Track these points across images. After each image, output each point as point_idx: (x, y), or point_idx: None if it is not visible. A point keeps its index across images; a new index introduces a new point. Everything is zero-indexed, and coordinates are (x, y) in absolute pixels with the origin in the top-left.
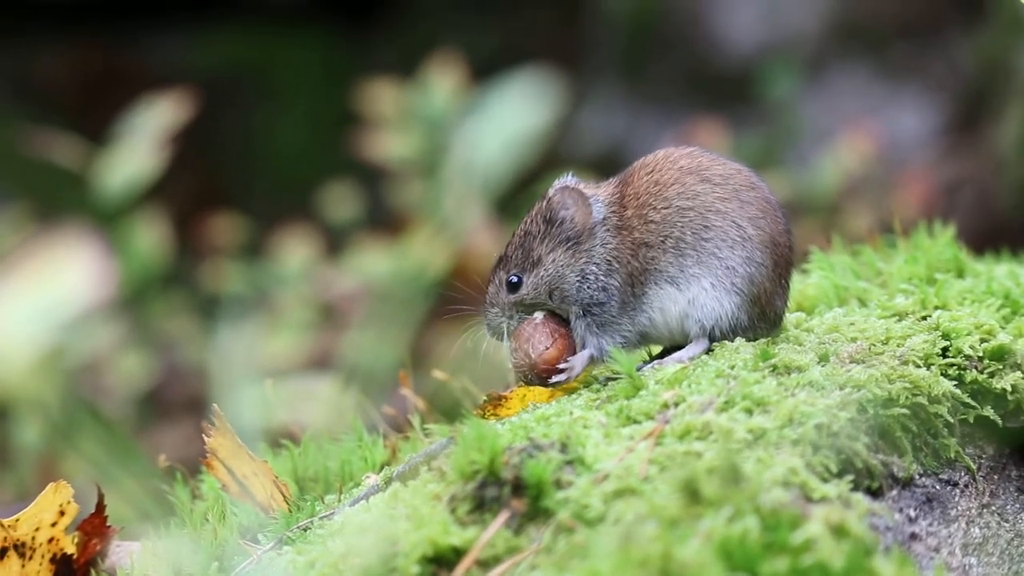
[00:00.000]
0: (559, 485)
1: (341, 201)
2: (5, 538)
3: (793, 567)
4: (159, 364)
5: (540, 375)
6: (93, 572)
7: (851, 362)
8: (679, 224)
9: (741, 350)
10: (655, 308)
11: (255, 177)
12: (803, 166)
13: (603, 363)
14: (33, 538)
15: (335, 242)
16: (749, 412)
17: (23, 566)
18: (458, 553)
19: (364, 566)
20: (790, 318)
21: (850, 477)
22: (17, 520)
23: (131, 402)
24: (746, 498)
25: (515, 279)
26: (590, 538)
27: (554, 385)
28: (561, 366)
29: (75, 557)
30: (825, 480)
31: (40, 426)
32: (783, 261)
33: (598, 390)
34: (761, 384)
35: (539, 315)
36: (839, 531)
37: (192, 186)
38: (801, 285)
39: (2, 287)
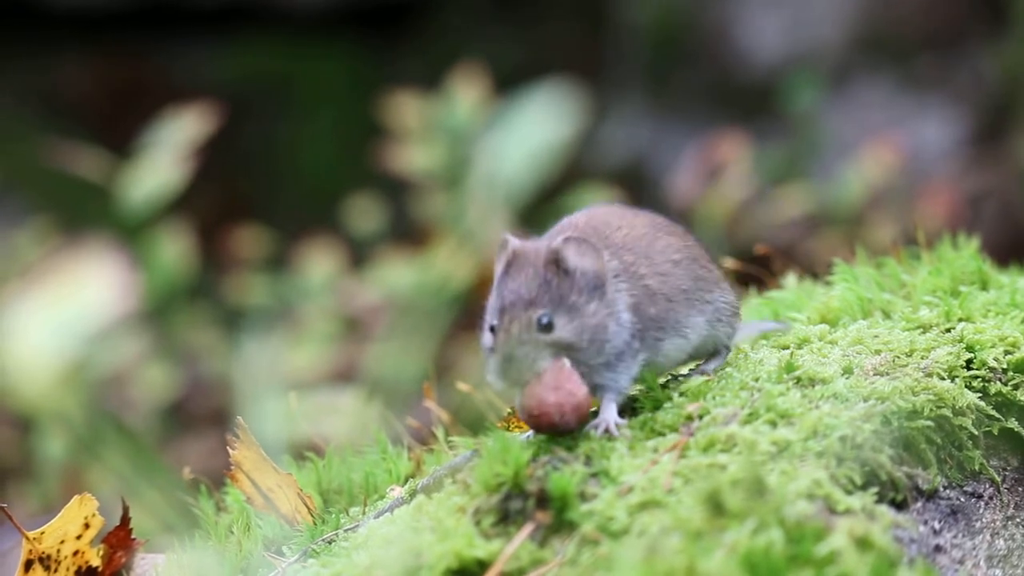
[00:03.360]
0: (584, 497)
1: (365, 213)
2: (31, 551)
3: None
4: (183, 376)
5: (576, 420)
6: None
7: (875, 374)
8: (680, 276)
9: (765, 362)
10: (667, 355)
11: (279, 189)
12: (827, 178)
13: (623, 397)
14: (58, 551)
15: (359, 254)
16: (773, 424)
17: None
18: (483, 565)
19: None
20: (814, 330)
21: (874, 489)
22: (42, 533)
23: (155, 414)
24: (770, 510)
25: (547, 319)
26: (614, 550)
27: (578, 429)
28: (593, 424)
29: (100, 570)
30: (849, 492)
31: (64, 439)
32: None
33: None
34: (785, 396)
35: (566, 361)
36: (863, 543)
37: (216, 198)
38: (825, 297)
39: (26, 300)
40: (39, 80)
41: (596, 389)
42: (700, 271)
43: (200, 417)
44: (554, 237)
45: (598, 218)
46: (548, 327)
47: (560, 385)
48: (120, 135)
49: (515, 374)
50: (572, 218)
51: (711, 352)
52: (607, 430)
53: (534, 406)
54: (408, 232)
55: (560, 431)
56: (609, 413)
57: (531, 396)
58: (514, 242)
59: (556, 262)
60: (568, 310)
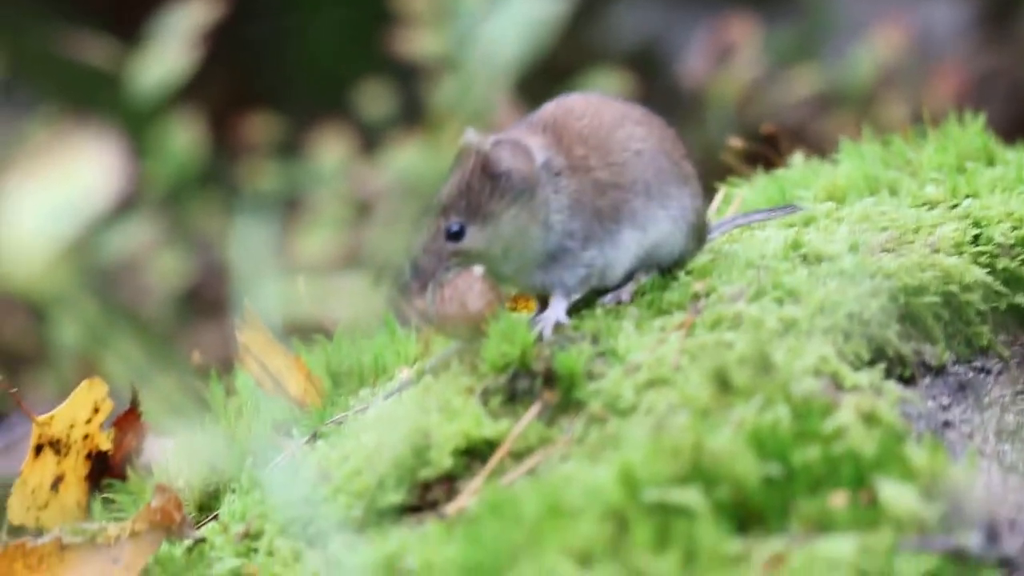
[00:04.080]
0: (591, 376)
1: (376, 98)
2: (40, 435)
3: (824, 455)
4: (196, 263)
5: (473, 328)
6: (129, 468)
7: (882, 251)
8: (640, 167)
9: (771, 240)
10: (619, 246)
11: (289, 75)
12: (837, 58)
13: (572, 297)
14: (68, 435)
15: (370, 139)
16: (780, 302)
17: (59, 463)
18: (491, 445)
19: (397, 459)
20: (820, 208)
21: (882, 365)
22: (52, 417)
23: (169, 302)
24: (777, 387)
25: (457, 227)
26: (622, 428)
27: (480, 334)
28: (537, 319)
29: (110, 453)
30: (856, 368)
31: (76, 326)
32: (703, 188)
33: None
34: (792, 273)
35: (477, 270)
36: (871, 419)
37: (226, 85)
38: (831, 175)
39: (23, 183)
40: None
41: (547, 288)
42: (666, 164)
43: (212, 303)
44: (508, 131)
45: (565, 108)
46: (457, 235)
47: (456, 297)
48: (128, 22)
49: (420, 278)
50: (543, 108)
51: (663, 261)
52: (541, 331)
53: (436, 317)
54: (418, 117)
55: (455, 335)
56: (553, 311)
57: (442, 302)
58: (467, 138)
59: (483, 166)
60: (483, 217)
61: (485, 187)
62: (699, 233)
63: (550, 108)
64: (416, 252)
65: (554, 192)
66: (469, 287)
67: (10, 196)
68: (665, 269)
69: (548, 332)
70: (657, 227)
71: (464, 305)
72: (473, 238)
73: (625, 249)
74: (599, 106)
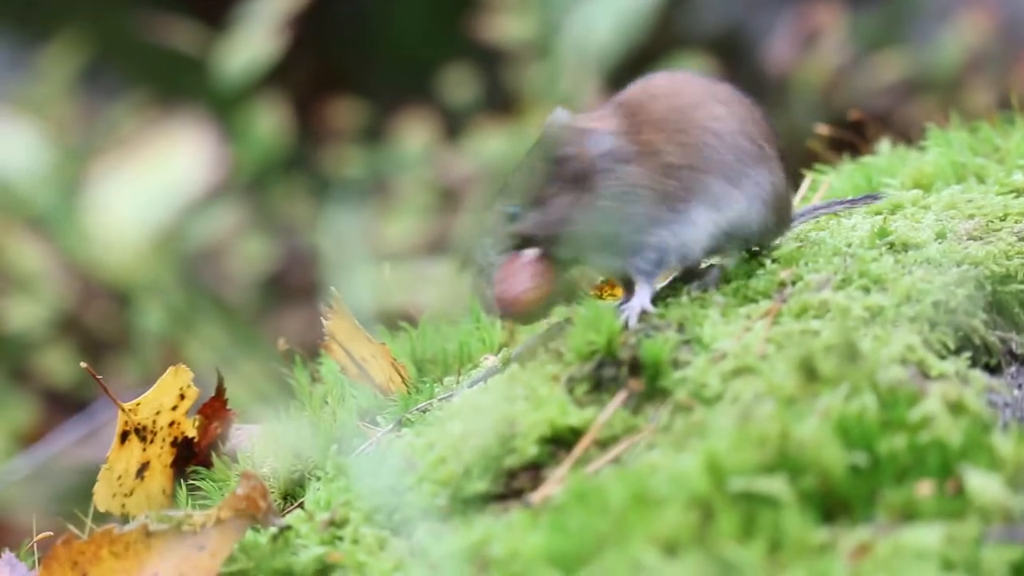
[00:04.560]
0: (676, 365)
1: (460, 83)
2: (126, 422)
3: (910, 444)
4: (280, 249)
5: (528, 310)
6: (214, 455)
7: (968, 239)
8: (716, 147)
9: (858, 228)
10: (694, 225)
11: (374, 60)
12: (923, 43)
13: (654, 280)
14: (154, 422)
15: (454, 125)
16: (866, 290)
17: (144, 449)
18: (576, 433)
19: (482, 447)
20: (907, 195)
21: (968, 354)
22: (138, 404)
23: (253, 287)
24: (863, 376)
25: (513, 210)
26: (708, 417)
27: (537, 317)
28: (623, 308)
29: (196, 440)
30: (942, 357)
31: (161, 312)
32: (789, 173)
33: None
34: (878, 261)
35: (531, 252)
36: (957, 408)
37: (311, 70)
38: (918, 162)
39: (116, 172)
40: None
41: (627, 273)
42: (745, 144)
43: (297, 289)
44: (588, 114)
45: (647, 89)
46: (514, 218)
47: (508, 280)
48: (213, 7)
49: (480, 264)
50: (628, 89)
51: (744, 241)
52: (627, 319)
53: (490, 299)
54: (502, 102)
55: (519, 322)
56: (638, 299)
57: (490, 288)
58: (551, 117)
59: (547, 148)
60: (538, 201)
61: (544, 170)
62: (780, 214)
63: (634, 89)
64: (479, 236)
65: (616, 179)
66: (520, 270)
67: (104, 182)
68: (748, 249)
69: (633, 321)
70: (732, 206)
71: (514, 288)
72: (526, 221)
73: (699, 228)
74: (682, 86)
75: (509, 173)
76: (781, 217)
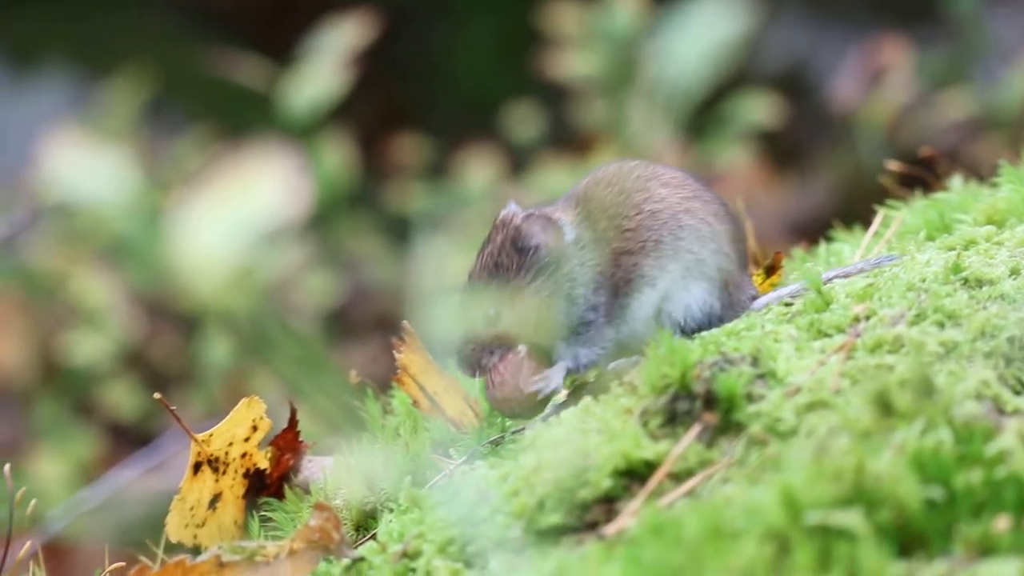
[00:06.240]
0: (751, 398)
1: (524, 120)
2: (199, 453)
3: (987, 479)
4: (346, 283)
5: (532, 406)
6: (286, 487)
7: None
8: (653, 227)
9: (932, 263)
10: (638, 316)
11: (438, 96)
12: (989, 82)
13: (579, 373)
14: (226, 453)
15: (518, 161)
16: (941, 325)
17: (217, 480)
18: (650, 466)
19: (556, 479)
20: (980, 231)
21: None
22: (211, 435)
23: (318, 321)
24: (939, 411)
25: (492, 311)
26: (783, 451)
27: (539, 411)
28: (535, 379)
29: (268, 472)
30: (1018, 393)
31: (230, 343)
32: (745, 257)
33: (788, 304)
34: (952, 297)
35: (523, 348)
36: None
37: (376, 106)
38: (991, 198)
39: (194, 203)
40: None
41: (557, 358)
42: (688, 221)
43: (362, 323)
44: (544, 206)
45: (596, 179)
46: (495, 319)
47: (508, 380)
48: (278, 42)
49: (471, 370)
50: (580, 180)
51: (676, 315)
52: (538, 391)
53: (489, 397)
54: (567, 139)
55: (517, 416)
56: (553, 378)
57: (488, 388)
58: (506, 210)
59: (513, 240)
60: (512, 293)
61: (513, 261)
62: (725, 290)
63: (585, 180)
64: (459, 344)
65: (579, 266)
66: (518, 369)
67: (187, 212)
68: (684, 330)
69: (543, 391)
70: (667, 278)
71: (516, 388)
72: (506, 318)
73: (643, 322)
74: (627, 173)
75: (471, 269)
76: (731, 298)
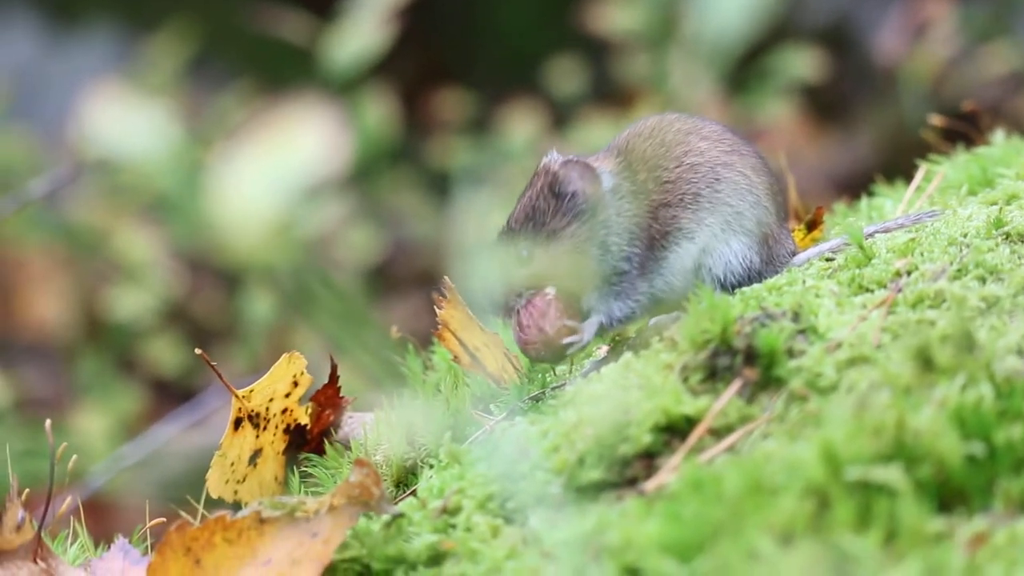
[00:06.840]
0: (791, 354)
1: (566, 74)
2: (240, 408)
3: None
4: (386, 239)
5: (556, 351)
6: (327, 442)
7: None
8: (693, 180)
9: (974, 218)
10: (675, 270)
11: (480, 51)
12: None
13: (612, 330)
14: (267, 408)
15: (560, 116)
16: (982, 280)
17: (257, 436)
18: (690, 422)
19: (597, 435)
20: (1022, 185)
21: None
22: (251, 391)
23: (360, 276)
24: (980, 366)
25: (525, 253)
26: (823, 406)
27: (566, 356)
28: (570, 339)
29: (309, 427)
30: None
31: (272, 299)
32: (784, 211)
33: (829, 259)
34: (994, 252)
35: (551, 290)
36: None
37: (417, 61)
38: None
39: (235, 158)
40: None
41: (591, 311)
42: (726, 174)
43: (403, 279)
44: (595, 154)
45: (637, 131)
46: (527, 261)
47: (533, 323)
48: None
49: (502, 310)
50: (622, 131)
51: (716, 270)
52: (570, 344)
53: (516, 340)
54: (609, 93)
55: (544, 360)
56: (586, 332)
57: (524, 328)
58: (548, 157)
59: (551, 185)
60: (547, 236)
61: (550, 206)
62: (764, 244)
63: (626, 132)
64: (493, 284)
65: (616, 215)
66: (544, 311)
67: (228, 167)
68: (724, 285)
69: (575, 347)
70: (706, 232)
71: (542, 329)
72: (540, 261)
73: (680, 276)
74: (667, 126)
75: (510, 214)
76: (770, 252)
